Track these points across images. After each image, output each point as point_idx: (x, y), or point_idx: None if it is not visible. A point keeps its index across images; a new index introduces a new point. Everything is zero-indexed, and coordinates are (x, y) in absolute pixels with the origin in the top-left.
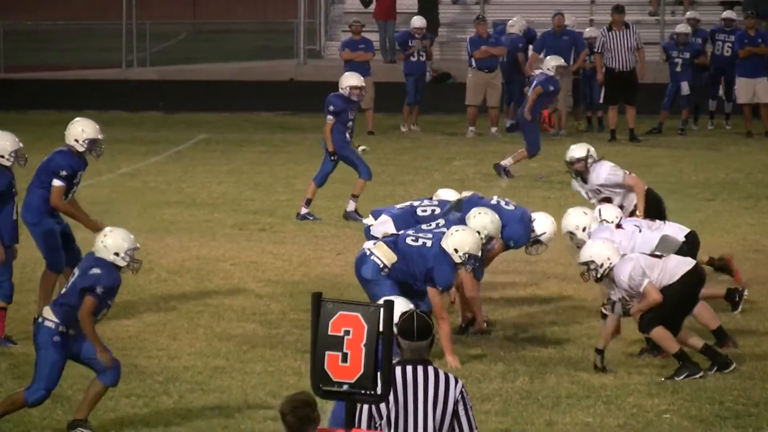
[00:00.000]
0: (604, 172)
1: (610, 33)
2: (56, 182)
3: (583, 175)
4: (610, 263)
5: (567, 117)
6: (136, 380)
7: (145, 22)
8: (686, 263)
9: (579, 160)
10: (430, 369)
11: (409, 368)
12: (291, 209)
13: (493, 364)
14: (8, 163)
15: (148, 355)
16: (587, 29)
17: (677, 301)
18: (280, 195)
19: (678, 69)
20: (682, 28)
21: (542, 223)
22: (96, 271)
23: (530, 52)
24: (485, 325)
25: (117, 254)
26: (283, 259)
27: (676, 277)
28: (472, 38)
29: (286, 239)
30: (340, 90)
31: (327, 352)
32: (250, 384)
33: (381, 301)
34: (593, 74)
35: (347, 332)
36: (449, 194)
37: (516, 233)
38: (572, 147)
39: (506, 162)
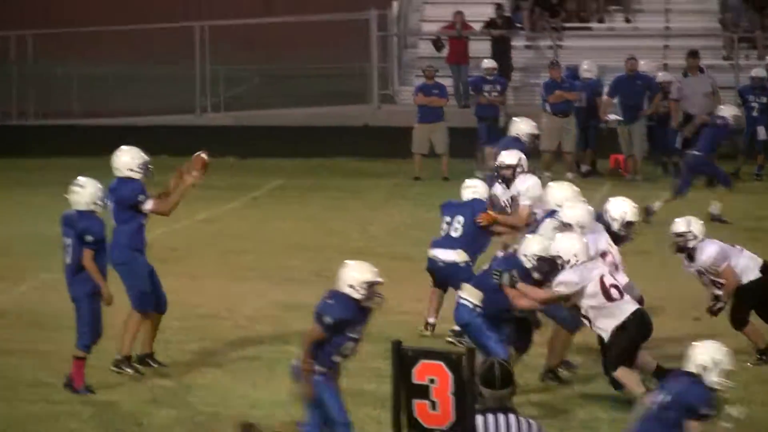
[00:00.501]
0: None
1: (685, 78)
2: (147, 205)
3: (508, 184)
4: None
5: (642, 162)
6: (219, 430)
7: (220, 67)
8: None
9: (508, 166)
10: (512, 417)
11: (490, 417)
12: (367, 256)
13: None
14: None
15: (227, 404)
16: (660, 73)
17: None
18: (356, 241)
19: (754, 113)
20: (759, 72)
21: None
22: (330, 301)
23: (604, 97)
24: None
25: (352, 286)
26: None
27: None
28: (546, 83)
29: None
30: (516, 135)
31: (415, 401)
32: None
33: (463, 349)
34: (667, 119)
35: (432, 380)
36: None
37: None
38: (504, 153)
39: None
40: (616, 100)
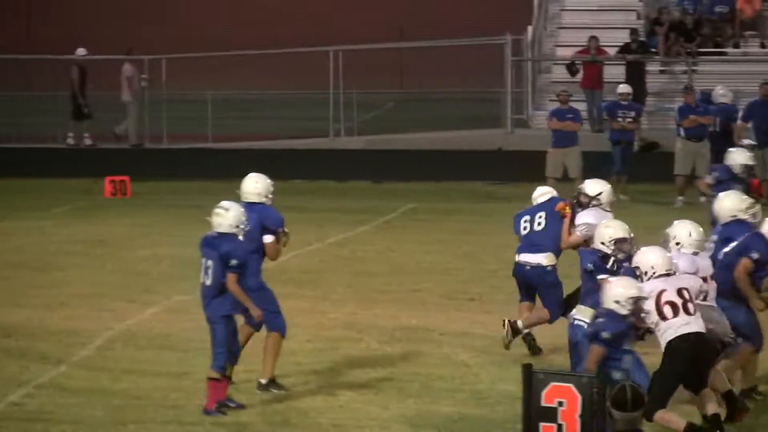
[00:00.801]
0: None
1: None
2: (267, 238)
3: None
4: None
5: None
6: None
7: (353, 91)
8: None
9: (587, 195)
10: None
11: None
12: (500, 279)
13: None
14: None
15: (359, 425)
16: None
17: None
18: (489, 264)
19: None
20: None
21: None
22: (601, 319)
23: (738, 122)
24: None
25: (618, 302)
26: (492, 329)
27: None
28: (680, 107)
29: (494, 309)
30: (730, 165)
31: (541, 424)
32: None
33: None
34: None
35: (560, 403)
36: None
37: None
38: (588, 182)
39: None
40: (750, 125)
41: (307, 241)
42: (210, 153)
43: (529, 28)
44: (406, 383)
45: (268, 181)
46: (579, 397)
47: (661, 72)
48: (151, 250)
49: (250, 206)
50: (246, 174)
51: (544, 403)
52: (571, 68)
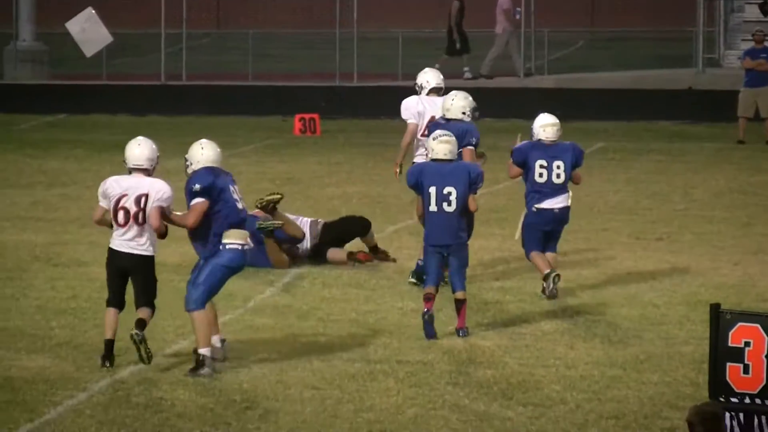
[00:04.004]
0: None
1: None
2: None
3: None
4: None
5: None
6: (533, 389)
7: (544, 29)
8: None
9: None
10: None
11: None
12: (688, 219)
13: None
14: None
15: (544, 364)
16: None
17: None
18: (677, 204)
19: None
20: None
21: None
22: None
23: None
24: None
25: None
26: (680, 269)
27: None
28: None
29: (683, 249)
30: None
31: (728, 364)
32: (646, 394)
33: None
34: None
35: (747, 344)
36: None
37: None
38: None
39: None
40: None
41: (496, 179)
42: (399, 91)
43: None
44: (593, 323)
45: None
46: (766, 338)
47: None
48: (339, 188)
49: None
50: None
51: (731, 344)
52: (764, 8)
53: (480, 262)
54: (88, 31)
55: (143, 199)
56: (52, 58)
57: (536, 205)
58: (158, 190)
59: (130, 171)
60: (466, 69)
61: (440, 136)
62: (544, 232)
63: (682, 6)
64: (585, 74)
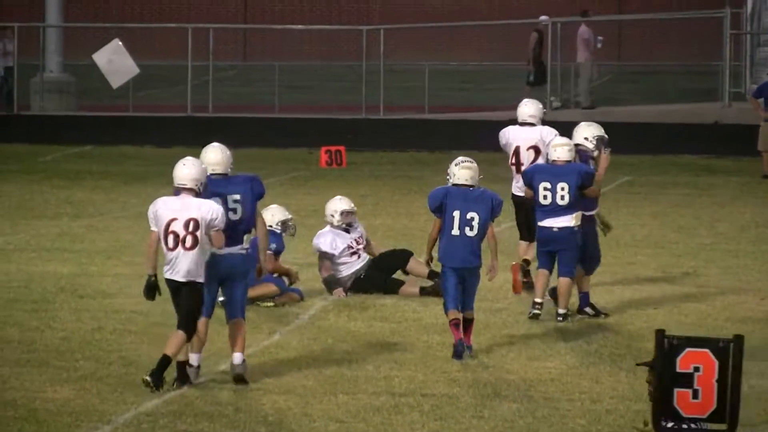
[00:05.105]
0: None
1: None
2: None
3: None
4: None
5: None
6: (558, 423)
7: (570, 63)
8: None
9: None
10: None
11: None
12: (714, 253)
13: None
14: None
15: (570, 398)
16: None
17: None
18: (703, 238)
19: None
20: None
21: None
22: None
23: None
24: None
25: None
26: (706, 303)
27: None
28: None
29: (709, 282)
30: None
31: (676, 389)
32: None
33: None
34: None
35: (697, 369)
36: None
37: None
38: None
39: None
40: None
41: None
42: (425, 123)
43: (749, 1)
44: (617, 356)
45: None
46: (716, 362)
47: None
48: (365, 220)
49: None
50: (463, 146)
51: (679, 369)
52: None
53: (504, 296)
54: (115, 62)
55: (192, 223)
56: (78, 89)
57: (539, 223)
58: (206, 212)
59: (177, 191)
60: (552, 99)
61: (462, 162)
62: (549, 252)
63: (709, 40)
64: (612, 108)
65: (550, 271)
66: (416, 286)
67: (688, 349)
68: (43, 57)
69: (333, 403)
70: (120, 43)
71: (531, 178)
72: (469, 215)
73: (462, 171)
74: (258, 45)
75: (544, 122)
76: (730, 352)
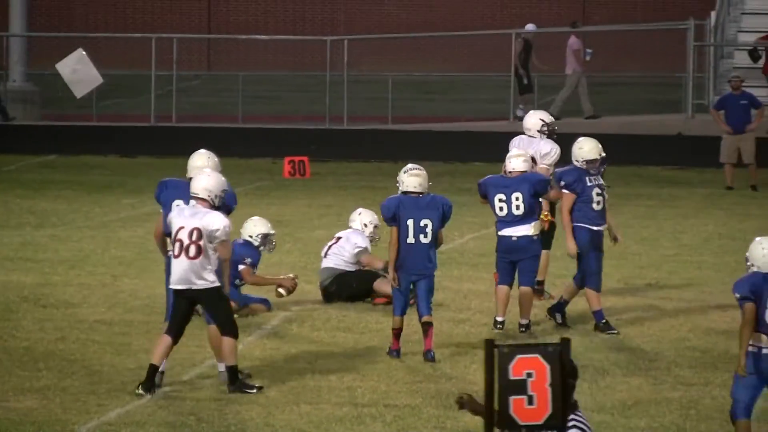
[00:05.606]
0: None
1: None
2: None
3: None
4: None
5: None
6: None
7: (534, 75)
8: None
9: None
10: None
11: None
12: (677, 264)
13: None
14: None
15: None
16: None
17: None
18: (666, 250)
19: None
20: None
21: None
22: None
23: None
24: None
25: None
26: (669, 315)
27: None
28: None
29: (672, 294)
30: None
31: (511, 397)
32: None
33: (557, 340)
34: None
35: (530, 374)
36: None
37: None
38: None
39: None
40: None
41: (485, 224)
42: (389, 134)
43: (713, 14)
44: (580, 368)
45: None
46: (547, 366)
47: None
48: (329, 230)
49: None
50: (430, 157)
51: (512, 377)
52: (754, 54)
53: (468, 307)
54: (79, 72)
55: (195, 233)
56: (42, 98)
57: (498, 232)
58: (208, 222)
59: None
60: (521, 107)
61: (411, 169)
62: (510, 262)
63: (673, 52)
64: (574, 119)
65: (510, 286)
66: (389, 285)
67: (518, 356)
68: (7, 66)
69: (296, 413)
70: (84, 52)
71: (486, 191)
72: (422, 222)
73: (411, 178)
74: (222, 55)
75: (552, 134)
76: (558, 356)
